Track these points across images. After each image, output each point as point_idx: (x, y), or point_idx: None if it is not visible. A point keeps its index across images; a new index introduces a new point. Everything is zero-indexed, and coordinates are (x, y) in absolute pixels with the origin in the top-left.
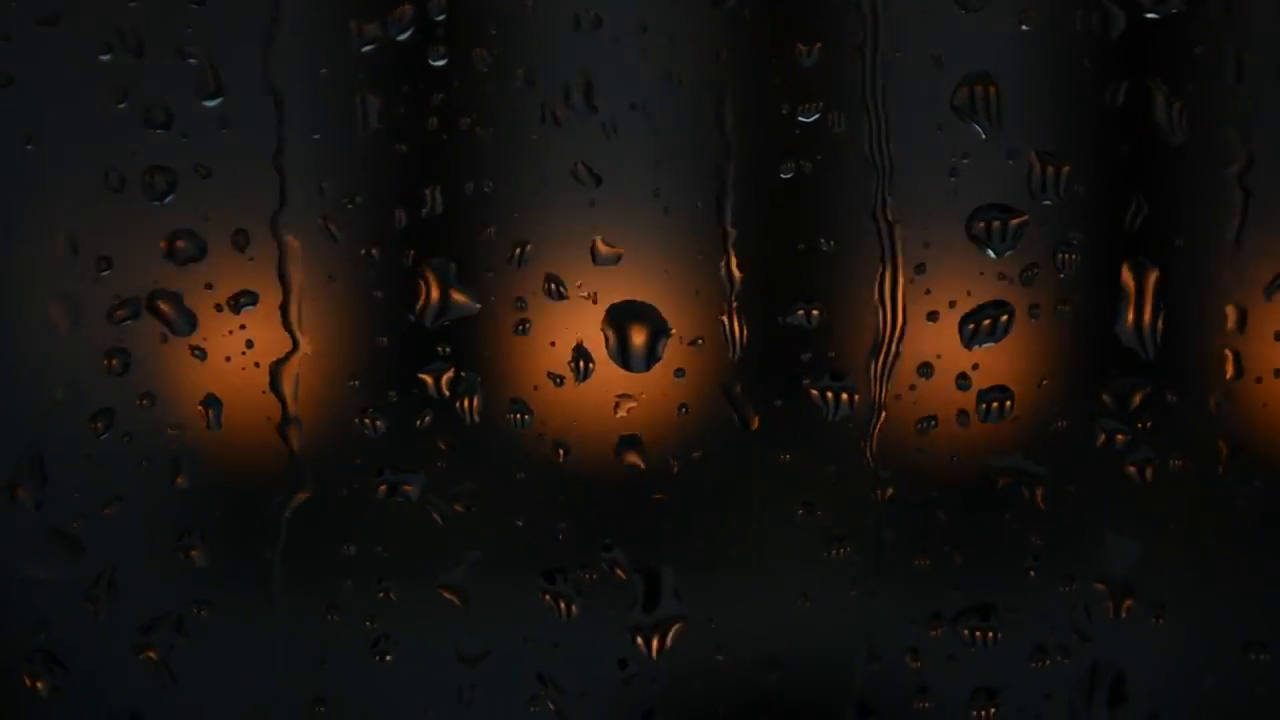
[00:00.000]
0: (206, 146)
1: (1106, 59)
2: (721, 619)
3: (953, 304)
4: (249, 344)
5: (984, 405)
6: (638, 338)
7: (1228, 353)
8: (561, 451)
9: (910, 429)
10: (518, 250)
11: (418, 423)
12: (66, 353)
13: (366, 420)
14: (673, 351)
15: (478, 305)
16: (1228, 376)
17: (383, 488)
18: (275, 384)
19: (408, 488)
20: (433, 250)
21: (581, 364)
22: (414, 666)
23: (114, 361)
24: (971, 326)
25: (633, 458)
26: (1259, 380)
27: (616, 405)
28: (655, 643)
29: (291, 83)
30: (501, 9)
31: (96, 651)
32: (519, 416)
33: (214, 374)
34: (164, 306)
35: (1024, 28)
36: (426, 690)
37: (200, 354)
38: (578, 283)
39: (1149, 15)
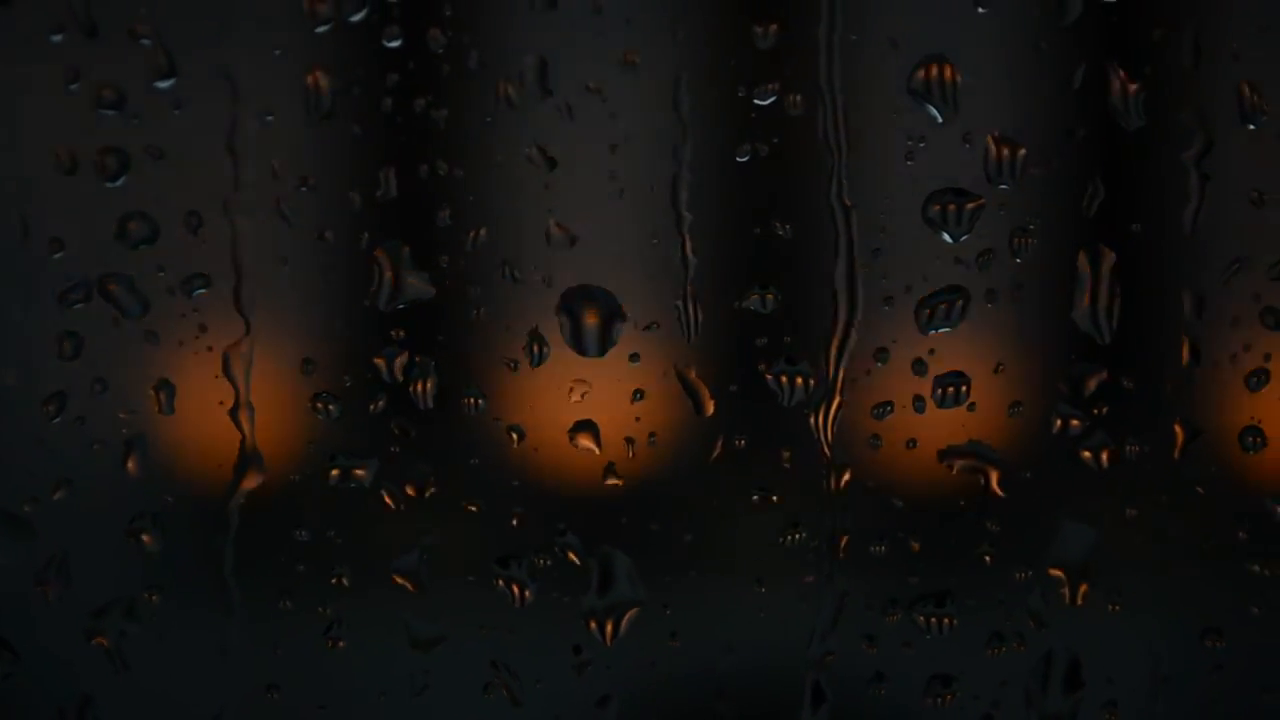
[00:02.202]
0: (159, 128)
1: (1063, 42)
2: (677, 605)
3: (908, 289)
4: (202, 328)
5: (940, 390)
6: (592, 322)
7: (1184, 338)
8: (515, 436)
9: (866, 414)
10: (472, 234)
11: (371, 408)
12: (17, 336)
13: (319, 405)
14: (628, 336)
15: (432, 289)
16: (1184, 362)
17: (335, 473)
18: (228, 368)
19: (360, 473)
20: (387, 234)
21: (536, 349)
22: (367, 653)
23: (65, 345)
24: (927, 312)
25: (587, 442)
26: (1215, 365)
27: (571, 390)
28: (610, 628)
29: (244, 64)
30: None
31: (47, 637)
32: (473, 401)
33: (166, 358)
34: (115, 289)
35: (980, 10)
36: (380, 676)
37: (153, 338)
38: (532, 267)
39: None
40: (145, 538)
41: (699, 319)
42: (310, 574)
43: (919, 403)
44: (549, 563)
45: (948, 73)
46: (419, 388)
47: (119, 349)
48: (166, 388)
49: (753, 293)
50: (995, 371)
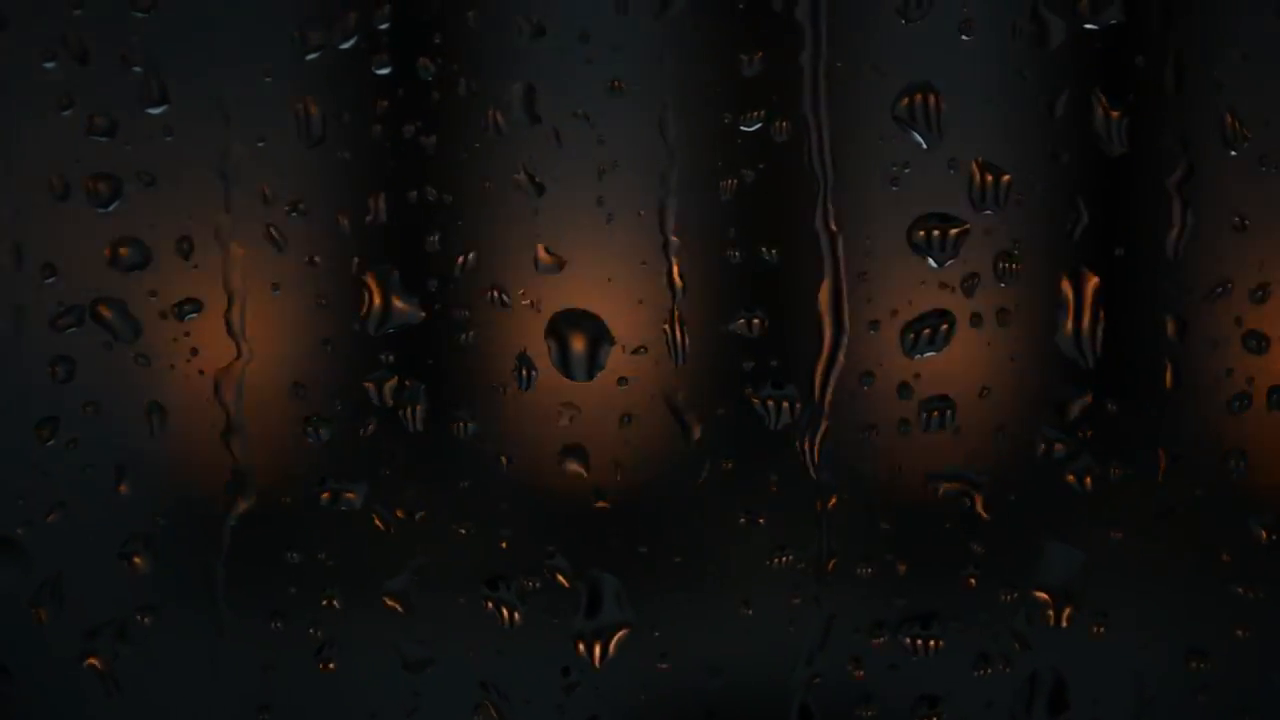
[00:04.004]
0: (151, 154)
1: (1046, 69)
2: (664, 627)
3: (894, 313)
4: (194, 352)
5: (925, 414)
6: (580, 346)
7: (1167, 362)
8: (504, 459)
9: (852, 437)
10: (461, 259)
11: (361, 431)
12: (10, 360)
13: (310, 428)
14: (615, 360)
15: (422, 313)
16: (1167, 386)
17: (326, 495)
18: (219, 392)
19: (351, 495)
20: (376, 258)
21: (525, 373)
22: (358, 674)
23: (58, 369)
24: (913, 335)
25: (575, 466)
26: (1198, 390)
27: (560, 414)
28: (598, 650)
29: (236, 90)
30: (445, 18)
31: (41, 659)
32: (462, 425)
33: (158, 381)
34: (108, 314)
35: (964, 38)
36: (371, 698)
37: (144, 361)
38: (520, 291)
39: (1088, 26)
40: (137, 560)
41: (686, 343)
42: (301, 596)
43: (905, 426)
44: (538, 585)
45: (932, 100)
46: (409, 411)
47: (111, 372)
48: (158, 411)
49: (740, 317)
50: (980, 395)
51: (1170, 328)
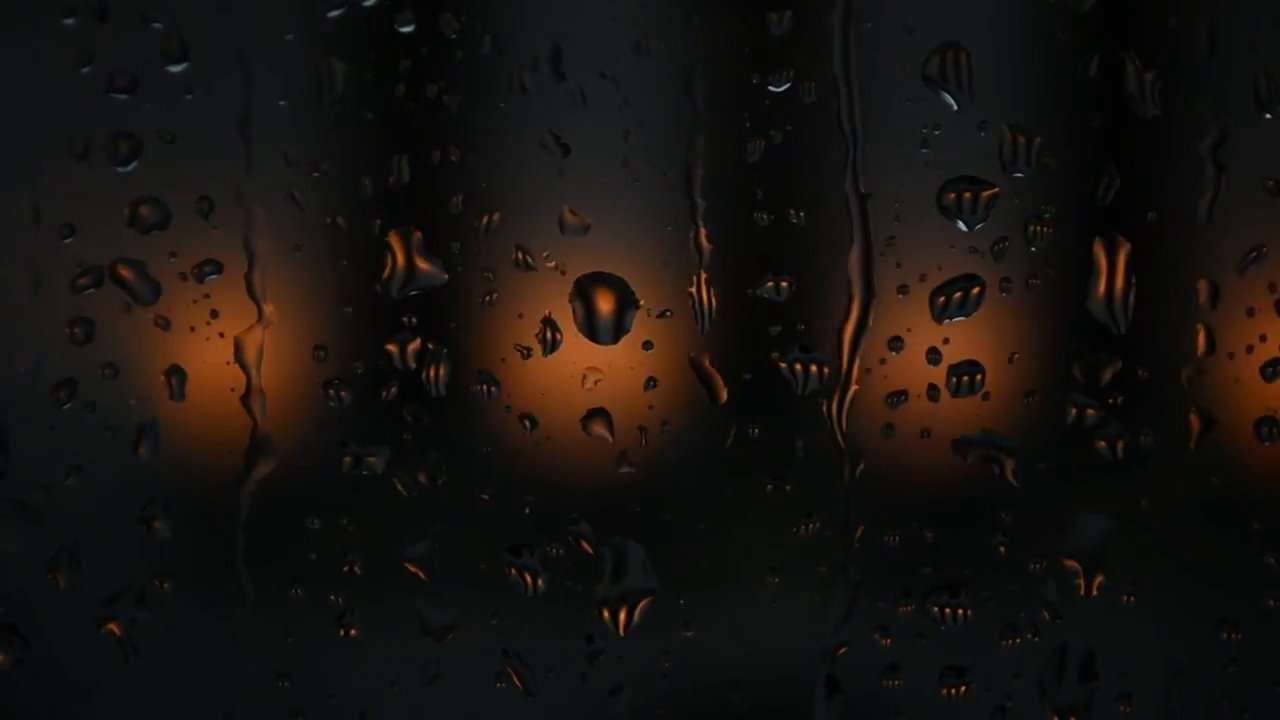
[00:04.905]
0: (171, 112)
1: (1079, 30)
2: (690, 594)
3: (923, 277)
4: (214, 314)
5: (954, 380)
6: (606, 310)
7: (1200, 328)
8: (528, 424)
9: (880, 403)
10: (485, 220)
11: (383, 394)
12: (28, 322)
13: (331, 392)
14: (641, 324)
15: (444, 275)
16: (1199, 352)
17: (348, 460)
18: (240, 355)
19: (373, 460)
20: (399, 219)
21: (549, 336)
22: (379, 641)
23: (76, 330)
24: (942, 300)
25: (600, 430)
26: (1231, 356)
27: (584, 378)
28: (623, 618)
29: (257, 48)
30: None
31: (58, 625)
32: (486, 389)
33: (178, 344)
34: (127, 275)
35: None
36: (392, 665)
37: (164, 324)
38: (545, 253)
39: None
40: (156, 525)
41: (713, 306)
42: (322, 562)
43: (933, 392)
44: (561, 552)
45: (963, 59)
46: (431, 375)
47: (130, 335)
48: (178, 374)
49: (767, 280)
50: (1010, 361)
51: (1203, 293)
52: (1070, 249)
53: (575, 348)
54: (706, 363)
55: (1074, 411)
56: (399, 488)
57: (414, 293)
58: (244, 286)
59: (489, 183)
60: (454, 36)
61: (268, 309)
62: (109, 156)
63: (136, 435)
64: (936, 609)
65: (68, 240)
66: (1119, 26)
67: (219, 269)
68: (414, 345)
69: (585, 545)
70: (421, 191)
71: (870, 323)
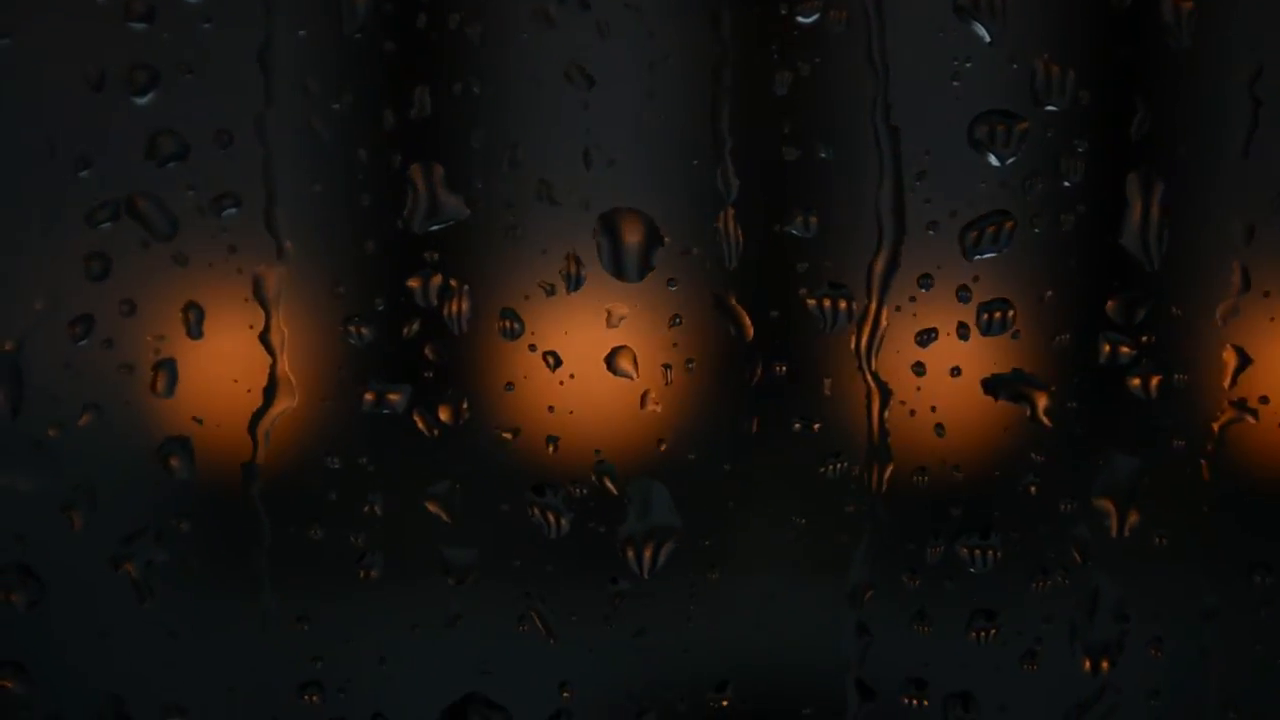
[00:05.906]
0: (189, 43)
1: None
2: (714, 535)
3: (953, 213)
4: (232, 249)
5: (985, 317)
6: (630, 246)
7: (1235, 265)
8: (551, 361)
9: (909, 341)
10: (508, 154)
11: (404, 332)
12: (44, 257)
13: (351, 329)
14: (666, 260)
15: (467, 210)
16: (1234, 289)
17: (369, 397)
18: (259, 291)
19: (393, 398)
20: (421, 153)
21: (573, 272)
22: (400, 583)
23: (93, 266)
24: (973, 236)
25: (625, 368)
26: (1266, 294)
27: (608, 315)
28: (647, 559)
29: None
30: None
31: (74, 565)
32: (509, 325)
33: (195, 280)
34: (144, 208)
35: None
36: (412, 607)
37: (182, 259)
38: (569, 189)
39: None
40: (173, 463)
41: (739, 243)
42: (341, 502)
43: (963, 330)
44: (585, 492)
45: None
46: (453, 311)
47: (147, 270)
48: (196, 310)
49: (795, 216)
50: (1041, 299)
51: (1238, 230)
52: (1103, 184)
53: (599, 284)
54: (733, 300)
55: (1106, 349)
56: (420, 426)
57: (435, 228)
58: (263, 221)
59: (512, 115)
60: None
61: (287, 244)
62: (125, 87)
63: (154, 372)
64: (965, 550)
65: (83, 173)
66: None
67: (237, 203)
68: (436, 281)
69: (609, 485)
70: (443, 125)
71: (899, 259)
